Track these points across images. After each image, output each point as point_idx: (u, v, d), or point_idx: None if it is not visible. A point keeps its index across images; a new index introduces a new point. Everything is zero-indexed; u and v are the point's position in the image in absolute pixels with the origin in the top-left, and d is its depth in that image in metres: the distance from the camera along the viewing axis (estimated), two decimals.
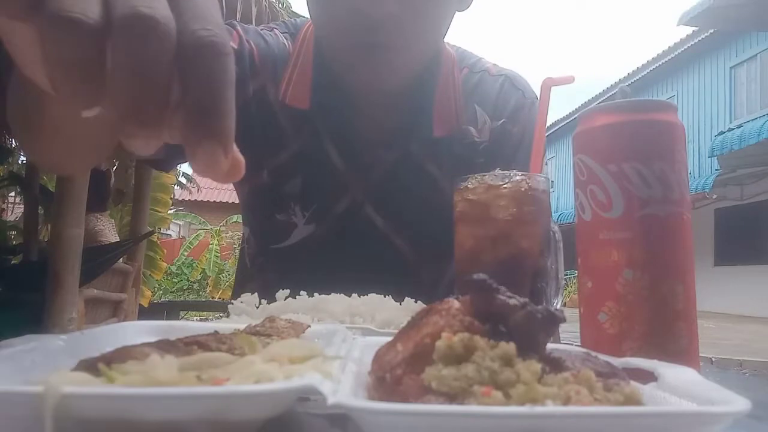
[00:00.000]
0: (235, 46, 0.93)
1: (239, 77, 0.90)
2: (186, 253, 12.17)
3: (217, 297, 11.16)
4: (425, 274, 0.99)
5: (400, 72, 0.87)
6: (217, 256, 11.93)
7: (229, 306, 0.69)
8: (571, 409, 0.28)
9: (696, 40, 13.51)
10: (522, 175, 0.63)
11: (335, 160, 0.95)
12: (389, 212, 0.96)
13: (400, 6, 0.79)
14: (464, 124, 0.97)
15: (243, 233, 1.13)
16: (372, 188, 0.96)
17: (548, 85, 0.72)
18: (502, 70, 1.04)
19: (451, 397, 0.28)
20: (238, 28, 0.97)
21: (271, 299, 0.69)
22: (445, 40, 0.96)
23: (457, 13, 0.91)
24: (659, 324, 0.51)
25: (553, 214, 0.68)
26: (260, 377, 0.33)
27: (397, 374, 0.32)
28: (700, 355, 0.52)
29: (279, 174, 0.97)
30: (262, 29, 1.00)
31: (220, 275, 11.84)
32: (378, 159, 0.96)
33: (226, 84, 0.34)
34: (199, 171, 0.34)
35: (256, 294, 0.70)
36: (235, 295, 1.00)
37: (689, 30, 12.80)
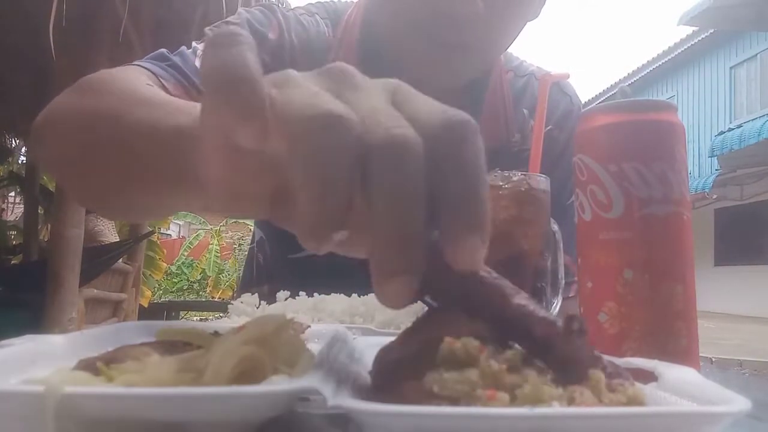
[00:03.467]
0: (274, 38, 0.88)
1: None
2: (186, 253, 12.18)
3: (217, 297, 11.16)
4: None
5: (463, 74, 0.85)
6: (217, 256, 11.94)
7: (229, 306, 0.69)
8: (572, 409, 0.28)
9: (696, 40, 13.52)
10: (522, 174, 0.63)
11: None
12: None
13: (486, 7, 0.76)
14: (513, 133, 0.93)
15: (254, 235, 1.06)
16: None
17: (547, 81, 0.72)
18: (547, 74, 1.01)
19: (454, 402, 0.28)
20: (279, 15, 0.89)
21: (272, 301, 0.69)
22: None
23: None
24: (659, 324, 0.51)
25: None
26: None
27: (399, 377, 0.32)
28: (700, 355, 0.52)
29: None
30: (302, 14, 0.93)
31: (220, 275, 11.84)
32: None
33: (482, 169, 0.31)
34: (461, 265, 0.31)
35: (256, 294, 0.70)
36: (239, 296, 0.96)
37: (689, 30, 12.81)
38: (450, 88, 0.84)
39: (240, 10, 0.91)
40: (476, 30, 0.78)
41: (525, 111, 0.94)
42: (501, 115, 0.93)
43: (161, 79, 0.75)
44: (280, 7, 0.91)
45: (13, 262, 4.34)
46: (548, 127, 0.93)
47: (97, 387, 0.31)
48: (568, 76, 0.74)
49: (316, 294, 0.68)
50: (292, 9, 0.93)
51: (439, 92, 0.64)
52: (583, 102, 1.06)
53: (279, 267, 0.96)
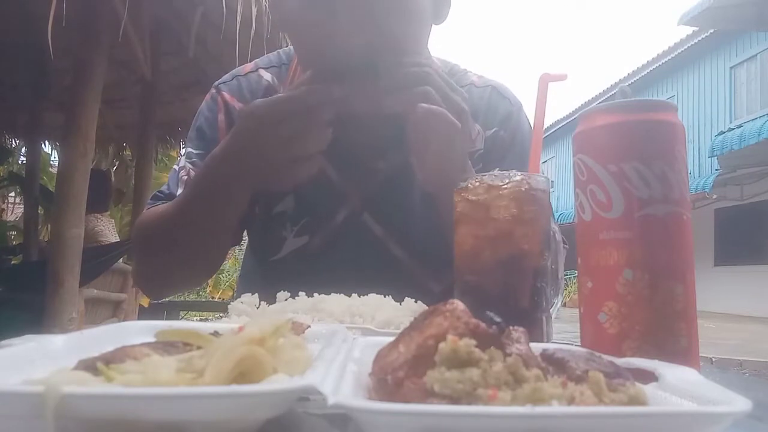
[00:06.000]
0: (223, 117, 1.02)
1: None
2: None
3: (217, 297, 11.16)
4: (423, 282, 0.98)
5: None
6: None
7: (229, 306, 0.69)
8: (573, 409, 0.28)
9: (696, 40, 13.51)
10: (522, 175, 0.63)
11: (330, 174, 0.98)
12: (388, 221, 0.98)
13: (375, 35, 0.82)
14: None
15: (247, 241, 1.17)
16: (370, 198, 0.98)
17: (546, 80, 0.72)
18: (487, 81, 1.08)
19: (454, 401, 0.28)
20: (219, 99, 1.03)
21: (272, 301, 0.69)
22: (435, 53, 1.01)
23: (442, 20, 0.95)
24: (659, 324, 0.51)
25: (553, 214, 0.68)
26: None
27: (399, 376, 0.32)
28: (700, 355, 0.52)
29: (270, 198, 1.00)
30: (242, 74, 1.06)
31: (220, 275, 11.83)
32: (375, 169, 0.98)
33: None
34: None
35: (256, 294, 0.70)
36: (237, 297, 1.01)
37: (689, 30, 12.79)
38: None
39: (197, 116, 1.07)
40: (372, 56, 0.82)
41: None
42: None
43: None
44: (221, 86, 1.06)
45: (13, 262, 4.34)
46: (494, 129, 1.02)
47: (97, 387, 0.31)
48: (566, 77, 0.75)
49: (316, 294, 0.68)
50: (233, 79, 1.07)
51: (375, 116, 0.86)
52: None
53: (262, 269, 1.05)
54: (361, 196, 0.98)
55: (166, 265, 0.96)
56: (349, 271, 0.88)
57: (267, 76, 1.05)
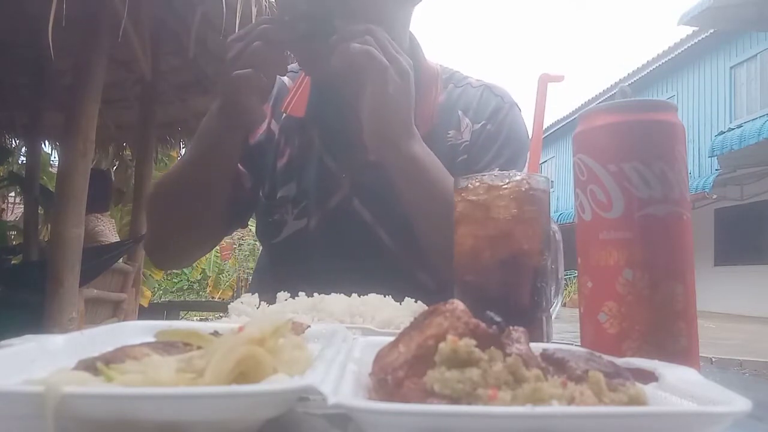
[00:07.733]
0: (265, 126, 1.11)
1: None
2: None
3: (217, 297, 11.17)
4: (410, 270, 1.03)
5: None
6: (217, 256, 11.93)
7: (229, 306, 0.69)
8: (573, 409, 0.28)
9: (696, 40, 13.51)
10: (522, 175, 0.63)
11: (328, 162, 1.05)
12: (375, 208, 1.04)
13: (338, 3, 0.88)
14: (444, 128, 1.07)
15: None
16: (360, 185, 1.05)
17: (545, 80, 0.72)
18: (482, 82, 1.15)
19: (454, 401, 0.28)
20: None
21: (272, 301, 0.69)
22: (435, 57, 1.11)
23: (429, 8, 1.03)
24: (659, 324, 0.51)
25: (553, 214, 0.68)
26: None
27: (399, 376, 0.32)
28: (700, 355, 0.52)
29: (275, 183, 1.07)
30: None
31: (220, 275, 11.83)
32: (366, 158, 1.03)
33: None
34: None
35: (256, 294, 0.70)
36: (253, 285, 1.17)
37: (689, 30, 12.79)
38: None
39: None
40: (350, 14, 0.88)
41: (459, 112, 1.09)
42: (429, 112, 1.07)
43: None
44: None
45: (13, 262, 4.34)
46: (482, 122, 1.07)
47: (97, 387, 0.31)
48: (563, 78, 0.76)
49: (315, 294, 0.69)
50: None
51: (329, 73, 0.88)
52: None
53: (266, 252, 1.16)
54: (351, 183, 1.04)
55: (174, 222, 1.01)
56: (342, 254, 1.00)
57: (284, 78, 1.13)
